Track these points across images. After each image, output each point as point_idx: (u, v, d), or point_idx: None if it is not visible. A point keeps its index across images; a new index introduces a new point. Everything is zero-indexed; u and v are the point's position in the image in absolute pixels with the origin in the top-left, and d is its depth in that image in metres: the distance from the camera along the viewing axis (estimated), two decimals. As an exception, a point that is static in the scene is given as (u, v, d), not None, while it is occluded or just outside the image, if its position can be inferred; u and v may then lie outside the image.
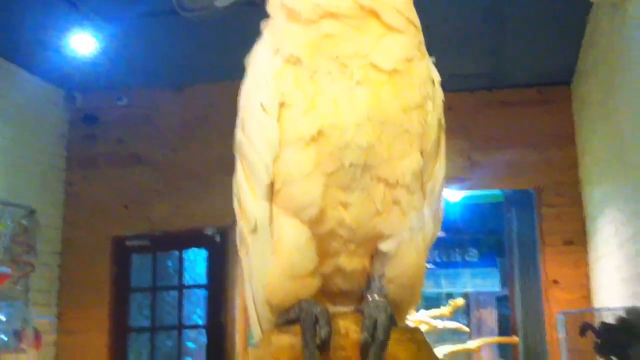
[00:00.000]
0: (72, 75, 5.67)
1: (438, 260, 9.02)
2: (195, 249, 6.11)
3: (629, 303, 4.61)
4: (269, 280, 1.12)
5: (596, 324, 4.50)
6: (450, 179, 6.03)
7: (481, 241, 9.48)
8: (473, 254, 9.59)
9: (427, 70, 1.17)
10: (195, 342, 6.05)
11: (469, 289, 9.32)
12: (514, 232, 6.65)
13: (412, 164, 1.11)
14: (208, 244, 5.94)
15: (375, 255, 1.12)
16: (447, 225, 8.89)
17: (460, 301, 5.83)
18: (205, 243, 5.95)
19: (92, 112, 6.18)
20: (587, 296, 5.88)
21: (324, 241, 1.10)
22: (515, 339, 6.07)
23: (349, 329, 1.06)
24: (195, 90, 6.14)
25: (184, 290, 5.98)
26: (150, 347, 5.83)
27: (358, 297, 1.16)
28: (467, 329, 5.77)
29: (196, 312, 6.03)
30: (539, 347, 6.17)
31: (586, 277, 5.92)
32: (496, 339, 6.24)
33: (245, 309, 5.89)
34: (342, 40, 1.08)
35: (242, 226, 1.20)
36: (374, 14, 1.09)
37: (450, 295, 8.16)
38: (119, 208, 5.96)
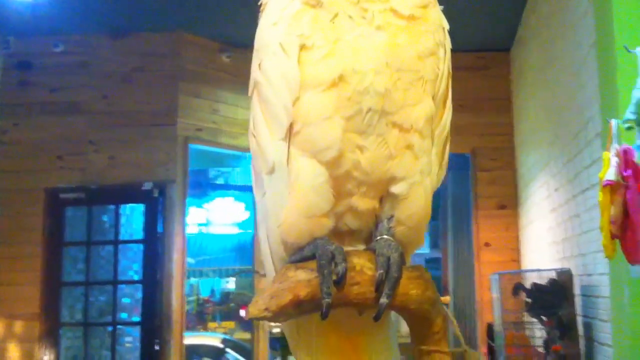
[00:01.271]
0: (6, 18, 5.40)
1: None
2: (132, 204, 5.98)
3: (558, 265, 4.83)
4: (285, 219, 1.13)
5: (528, 285, 4.69)
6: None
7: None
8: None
9: (439, 18, 1.19)
10: (131, 297, 5.97)
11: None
12: (449, 195, 6.81)
13: (425, 109, 1.13)
14: (145, 199, 5.83)
15: (386, 197, 1.15)
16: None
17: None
18: (142, 198, 5.84)
19: (26, 58, 5.91)
20: (517, 259, 6.12)
21: (339, 182, 1.12)
22: (446, 298, 6.27)
23: (363, 266, 1.09)
24: (134, 38, 5.95)
25: (120, 246, 5.88)
26: (84, 302, 5.73)
27: (366, 237, 1.19)
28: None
29: (132, 267, 5.94)
30: (469, 306, 6.39)
31: (517, 240, 6.16)
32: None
33: (182, 264, 5.85)
34: None
35: (259, 167, 1.20)
36: None
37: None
38: (52, 159, 5.76)
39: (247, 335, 11.03)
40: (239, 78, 6.38)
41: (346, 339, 1.19)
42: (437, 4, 1.21)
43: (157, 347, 5.61)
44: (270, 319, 1.05)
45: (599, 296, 3.91)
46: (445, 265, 6.82)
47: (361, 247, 1.18)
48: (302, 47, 1.11)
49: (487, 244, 6.15)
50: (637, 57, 2.64)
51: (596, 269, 3.90)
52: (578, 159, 4.25)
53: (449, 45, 1.20)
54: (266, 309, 1.03)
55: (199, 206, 11.30)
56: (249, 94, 1.26)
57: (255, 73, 1.21)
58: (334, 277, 1.05)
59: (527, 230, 5.93)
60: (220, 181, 10.45)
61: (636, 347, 3.18)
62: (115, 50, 5.97)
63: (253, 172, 1.26)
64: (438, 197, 7.33)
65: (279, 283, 1.06)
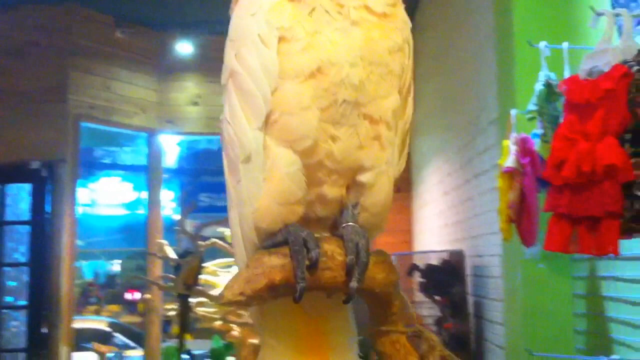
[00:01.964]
0: None
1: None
2: (18, 184, 5.68)
3: (449, 247, 5.04)
4: (260, 206, 1.17)
5: (422, 265, 4.87)
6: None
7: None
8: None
9: (405, 15, 1.24)
10: (18, 280, 5.69)
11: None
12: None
13: (393, 102, 1.19)
14: (33, 178, 5.55)
15: (352, 185, 1.20)
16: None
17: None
18: (29, 177, 5.55)
19: None
20: (409, 240, 6.33)
21: (311, 171, 1.16)
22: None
23: (334, 251, 1.12)
24: (23, 10, 5.62)
25: (5, 227, 5.57)
26: (-35, 286, 5.41)
27: (330, 224, 1.23)
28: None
29: (18, 249, 5.65)
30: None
31: (410, 222, 6.36)
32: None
33: (72, 246, 5.63)
34: None
35: (235, 155, 1.22)
36: None
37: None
38: None
39: (134, 319, 10.83)
40: (133, 55, 6.18)
41: (309, 320, 1.23)
42: (402, 2, 1.25)
43: (45, 331, 5.39)
44: (244, 303, 1.06)
45: (490, 276, 4.12)
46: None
47: (326, 233, 1.22)
48: (281, 39, 1.14)
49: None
50: (540, 51, 2.78)
51: (488, 251, 4.09)
52: (472, 145, 4.42)
53: (411, 42, 1.25)
54: (241, 294, 1.03)
55: (84, 186, 10.88)
56: (223, 82, 1.27)
57: (231, 62, 1.22)
58: (307, 263, 1.09)
59: (420, 213, 6.15)
60: (107, 160, 10.09)
61: (527, 325, 3.38)
62: (3, 23, 5.62)
63: (226, 159, 1.28)
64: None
65: (254, 268, 1.07)
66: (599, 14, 2.22)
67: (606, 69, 2.14)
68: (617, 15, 2.21)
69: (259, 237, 1.18)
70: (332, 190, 1.18)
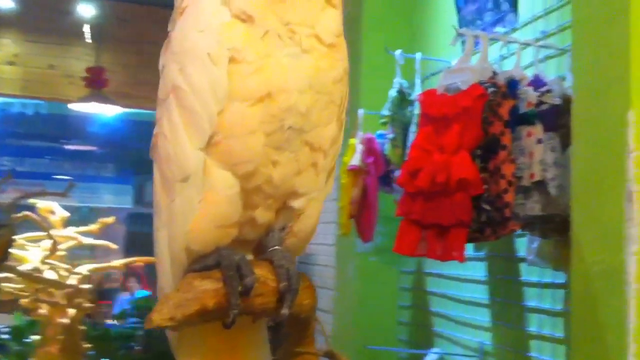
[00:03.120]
0: None
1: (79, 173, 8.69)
2: None
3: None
4: (193, 227, 1.12)
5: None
6: (115, 93, 5.84)
7: (121, 158, 9.39)
8: (109, 170, 9.47)
9: (345, 45, 1.23)
10: None
11: (105, 204, 9.19)
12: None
13: (332, 131, 1.20)
14: None
15: (283, 209, 1.19)
16: (94, 139, 8.60)
17: (110, 219, 5.72)
18: None
19: None
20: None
21: (248, 195, 1.14)
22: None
23: (266, 277, 1.10)
24: None
25: None
26: None
27: (255, 246, 1.21)
28: (115, 246, 5.71)
29: None
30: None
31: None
32: (144, 258, 6.28)
33: None
34: (292, 7, 1.13)
35: (171, 174, 1.15)
36: None
37: (92, 210, 7.95)
38: None
39: None
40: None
41: (226, 339, 1.19)
42: None
43: None
44: (173, 328, 1.01)
45: (322, 265, 4.26)
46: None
47: (250, 255, 1.20)
48: (232, 60, 1.10)
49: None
50: (395, 59, 2.90)
51: (320, 240, 4.22)
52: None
53: (348, 70, 1.26)
54: (171, 318, 0.97)
55: None
56: (161, 95, 1.19)
57: (174, 77, 1.15)
58: (241, 288, 1.06)
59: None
60: None
61: (358, 314, 3.55)
62: None
63: (159, 175, 1.19)
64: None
65: (184, 292, 1.01)
66: (460, 34, 2.35)
67: (463, 87, 2.28)
68: (477, 36, 2.36)
69: (189, 258, 1.14)
70: (264, 214, 1.16)
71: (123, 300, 7.46)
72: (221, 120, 1.11)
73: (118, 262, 5.72)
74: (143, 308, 5.43)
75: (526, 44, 2.41)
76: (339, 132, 1.24)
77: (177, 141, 1.14)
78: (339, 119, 1.22)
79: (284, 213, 1.19)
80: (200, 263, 1.12)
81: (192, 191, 1.13)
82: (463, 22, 3.07)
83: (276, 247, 1.16)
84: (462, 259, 2.18)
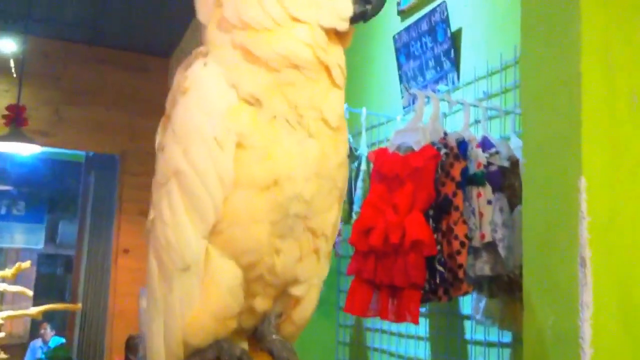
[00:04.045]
0: None
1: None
2: None
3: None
4: (193, 319, 1.05)
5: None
6: (35, 132, 5.59)
7: (35, 196, 8.99)
8: (21, 208, 9.04)
9: (346, 126, 1.20)
10: None
11: (16, 244, 8.75)
12: (90, 195, 6.49)
13: (335, 216, 1.17)
14: None
15: (281, 296, 1.14)
16: (8, 178, 8.18)
17: (26, 263, 5.45)
18: None
19: None
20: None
21: (249, 284, 1.08)
22: (78, 306, 5.95)
23: None
24: None
25: None
26: None
27: (249, 333, 1.15)
28: (31, 293, 5.43)
29: None
30: (100, 314, 6.15)
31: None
32: (60, 305, 5.99)
33: None
34: (301, 90, 1.09)
35: (170, 262, 1.08)
36: (326, 68, 1.11)
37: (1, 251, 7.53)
38: None
39: None
40: None
41: None
42: None
43: None
44: None
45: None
46: (77, 269, 6.46)
47: (245, 342, 1.14)
48: (238, 145, 1.06)
49: (126, 250, 6.04)
50: (361, 116, 2.89)
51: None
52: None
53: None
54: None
55: None
56: (160, 179, 1.12)
57: (177, 161, 1.09)
58: None
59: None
60: None
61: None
62: None
63: (157, 264, 1.11)
64: (77, 195, 6.92)
65: None
66: (412, 95, 2.37)
67: (416, 147, 2.29)
68: (427, 97, 2.38)
69: (186, 351, 1.07)
70: (263, 303, 1.11)
71: (35, 348, 7.07)
72: (226, 207, 1.05)
73: (35, 310, 5.44)
74: (59, 359, 5.14)
75: (474, 105, 2.45)
76: (339, 215, 1.20)
77: (179, 228, 1.08)
78: (340, 202, 1.19)
79: (282, 300, 1.15)
80: (198, 356, 1.06)
81: (192, 281, 1.07)
82: (404, 78, 3.11)
83: (275, 337, 1.11)
84: (416, 321, 2.16)
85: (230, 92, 1.08)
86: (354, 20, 1.15)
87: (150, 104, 6.27)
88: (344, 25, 1.14)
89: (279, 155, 1.07)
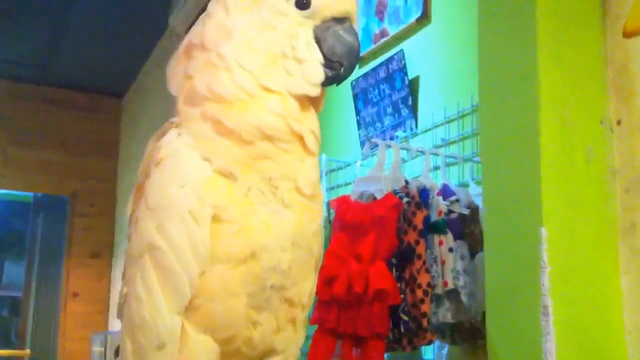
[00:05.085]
0: None
1: None
2: None
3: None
4: None
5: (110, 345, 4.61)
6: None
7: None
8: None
9: (322, 192, 1.20)
10: None
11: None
12: (39, 238, 6.32)
13: (311, 285, 1.17)
14: None
15: None
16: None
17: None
18: None
19: None
20: (104, 310, 5.96)
21: (226, 358, 1.07)
22: (27, 352, 5.74)
23: None
24: None
25: None
26: None
27: None
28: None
29: None
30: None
31: (107, 291, 6.01)
32: (7, 351, 5.77)
33: None
34: (275, 161, 1.09)
35: (147, 341, 1.05)
36: (300, 137, 1.11)
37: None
38: None
39: None
40: None
41: None
42: None
43: None
44: None
45: None
46: (25, 312, 6.25)
47: None
48: (214, 218, 1.05)
49: (75, 294, 5.88)
50: (321, 162, 2.90)
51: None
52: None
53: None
54: None
55: None
56: (135, 253, 1.10)
57: (151, 236, 1.07)
58: None
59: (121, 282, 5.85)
60: None
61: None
62: None
63: (130, 343, 1.09)
64: (24, 236, 6.73)
65: None
66: (373, 144, 2.40)
67: (378, 195, 2.31)
68: (389, 146, 2.41)
69: None
70: None
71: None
72: (202, 282, 1.04)
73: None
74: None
75: (435, 154, 2.49)
76: (315, 284, 1.19)
77: (153, 305, 1.06)
78: (316, 270, 1.18)
79: None
80: None
81: (167, 359, 1.04)
82: (362, 124, 3.14)
83: None
84: (381, 372, 2.16)
85: (204, 164, 1.08)
86: (325, 84, 1.16)
87: (101, 145, 6.19)
88: (315, 91, 1.14)
89: (255, 227, 1.06)
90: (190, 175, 1.07)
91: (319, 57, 1.13)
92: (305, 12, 1.14)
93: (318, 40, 1.14)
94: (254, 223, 1.06)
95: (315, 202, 1.16)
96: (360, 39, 3.22)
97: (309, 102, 1.15)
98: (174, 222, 1.06)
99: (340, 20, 1.16)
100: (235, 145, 1.07)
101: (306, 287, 1.15)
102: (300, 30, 1.13)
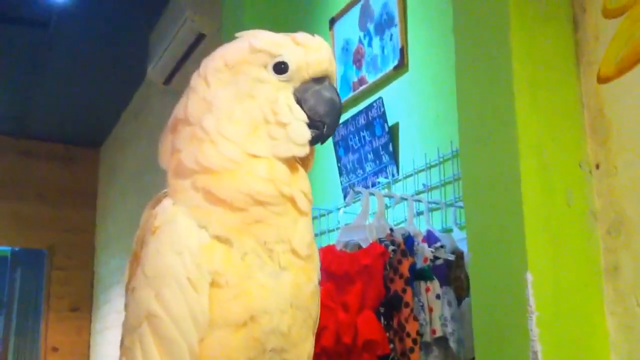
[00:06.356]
0: None
1: None
2: None
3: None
4: None
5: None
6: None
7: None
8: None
9: (317, 252, 1.19)
10: None
11: None
12: (17, 293, 6.21)
13: (310, 346, 1.15)
14: None
15: None
16: None
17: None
18: None
19: None
20: (85, 365, 5.85)
21: None
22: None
23: None
24: None
25: None
26: None
27: None
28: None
29: None
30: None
31: (88, 345, 5.90)
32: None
33: None
34: (269, 225, 1.08)
35: None
36: (291, 200, 1.11)
37: None
38: None
39: None
40: None
41: None
42: None
43: None
44: None
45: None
46: (2, 371, 6.10)
47: None
48: (213, 284, 1.04)
49: (55, 349, 5.76)
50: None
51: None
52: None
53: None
54: None
55: None
56: (133, 323, 1.07)
57: (149, 304, 1.05)
58: None
59: (102, 336, 5.75)
60: None
61: None
62: None
63: None
64: (2, 291, 6.60)
65: None
66: (357, 192, 2.41)
67: (362, 244, 2.31)
68: (371, 194, 2.42)
69: None
70: None
71: None
72: (202, 349, 1.03)
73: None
74: None
75: (418, 201, 2.50)
76: (313, 345, 1.19)
77: None
78: (314, 331, 1.18)
79: None
80: None
81: None
82: (344, 171, 3.16)
83: None
84: (372, 423, 2.13)
85: (201, 231, 1.07)
86: (310, 144, 1.16)
87: (79, 196, 6.14)
88: (303, 151, 1.14)
89: (254, 290, 1.06)
90: (187, 242, 1.06)
91: (303, 117, 1.14)
92: (284, 77, 1.14)
93: (299, 102, 1.15)
94: (252, 287, 1.06)
95: (311, 262, 1.15)
96: (339, 86, 3.27)
97: (297, 162, 1.15)
98: (172, 289, 1.05)
99: (319, 80, 1.17)
100: (229, 212, 1.07)
101: (305, 348, 1.14)
102: (279, 95, 1.14)
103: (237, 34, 1.20)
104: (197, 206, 1.09)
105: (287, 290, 1.09)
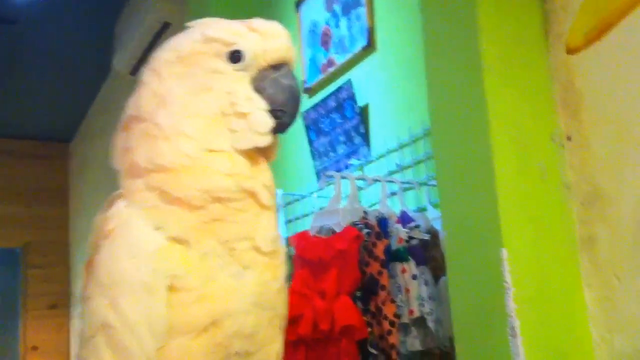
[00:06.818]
0: None
1: None
2: None
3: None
4: None
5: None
6: None
7: None
8: None
9: (283, 246, 1.15)
10: None
11: None
12: (-8, 293, 6.12)
13: (279, 346, 1.11)
14: None
15: None
16: None
17: None
18: None
19: None
20: (65, 362, 5.79)
21: None
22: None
23: None
24: None
25: None
26: None
27: None
28: None
29: None
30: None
31: (68, 343, 5.83)
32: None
33: None
34: (229, 222, 1.03)
35: None
36: (252, 194, 1.06)
37: None
38: None
39: None
40: None
41: None
42: None
43: None
44: None
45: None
46: (-20, 374, 6.03)
47: None
48: (171, 288, 0.98)
49: (34, 348, 5.68)
50: (278, 197, 2.86)
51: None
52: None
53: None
54: None
55: None
56: (89, 333, 1.02)
57: (103, 314, 1.00)
58: None
59: (82, 333, 5.69)
60: None
61: None
62: None
63: None
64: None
65: None
66: (328, 177, 2.37)
67: (336, 229, 2.28)
68: (344, 177, 2.39)
69: None
70: None
71: None
72: (161, 357, 0.98)
73: None
74: None
75: (390, 181, 2.47)
76: (282, 345, 1.14)
77: None
78: (283, 331, 1.13)
79: None
80: None
81: None
82: (316, 154, 3.12)
83: None
84: (354, 409, 2.11)
85: (157, 233, 1.02)
86: (272, 133, 1.11)
87: (52, 192, 6.04)
88: (265, 141, 1.08)
89: (215, 293, 1.00)
90: (141, 245, 1.01)
91: (263, 106, 1.08)
92: (239, 65, 1.08)
93: (257, 91, 1.09)
94: (213, 289, 1.00)
95: (276, 258, 1.09)
96: (308, 69, 3.21)
97: (259, 154, 1.10)
98: (127, 297, 0.99)
99: (278, 67, 1.11)
100: (186, 211, 1.02)
101: (273, 349, 1.09)
102: (236, 86, 1.08)
103: (188, 24, 1.15)
104: (153, 207, 1.03)
105: (251, 290, 1.04)
